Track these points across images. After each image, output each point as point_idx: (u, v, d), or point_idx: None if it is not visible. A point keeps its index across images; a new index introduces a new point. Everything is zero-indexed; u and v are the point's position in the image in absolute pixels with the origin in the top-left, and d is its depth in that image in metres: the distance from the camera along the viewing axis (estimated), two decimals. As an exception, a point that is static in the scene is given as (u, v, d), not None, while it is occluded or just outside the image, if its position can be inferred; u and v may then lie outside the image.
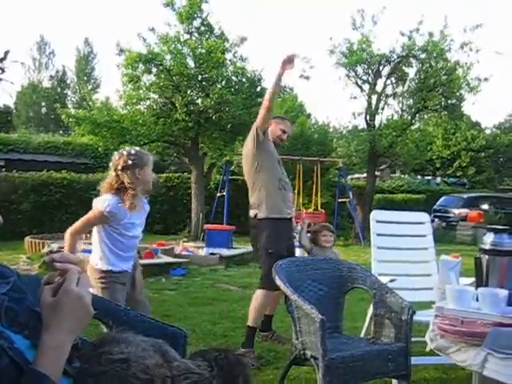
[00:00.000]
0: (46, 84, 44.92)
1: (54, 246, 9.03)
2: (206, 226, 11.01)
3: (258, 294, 4.33)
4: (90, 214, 3.24)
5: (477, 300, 2.10)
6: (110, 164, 3.26)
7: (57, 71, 44.98)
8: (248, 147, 4.40)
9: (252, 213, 4.39)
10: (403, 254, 4.25)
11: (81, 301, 1.12)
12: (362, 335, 3.76)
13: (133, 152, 3.22)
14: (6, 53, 6.95)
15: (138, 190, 3.23)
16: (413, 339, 3.01)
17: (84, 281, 1.15)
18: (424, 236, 4.33)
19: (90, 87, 41.19)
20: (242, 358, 1.31)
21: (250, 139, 4.37)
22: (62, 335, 1.12)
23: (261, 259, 4.38)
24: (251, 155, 4.36)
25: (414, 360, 3.05)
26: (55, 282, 1.14)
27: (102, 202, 3.19)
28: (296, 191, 13.91)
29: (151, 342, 1.40)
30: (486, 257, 2.32)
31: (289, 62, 4.17)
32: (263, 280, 4.26)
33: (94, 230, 3.33)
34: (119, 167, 3.18)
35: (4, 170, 13.86)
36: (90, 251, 8.02)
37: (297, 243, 9.31)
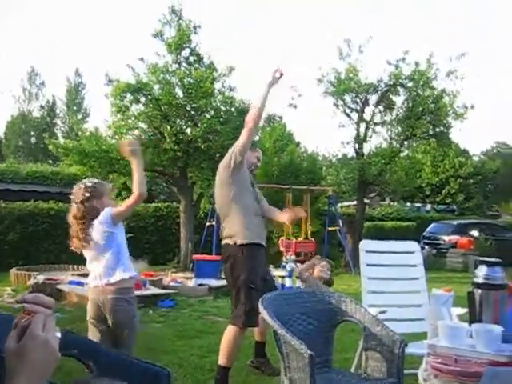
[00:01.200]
0: (36, 114, 44.94)
1: (40, 277, 8.86)
2: (195, 257, 10.89)
3: (233, 333, 4.05)
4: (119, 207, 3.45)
5: (471, 336, 2.03)
6: (72, 196, 3.44)
7: (47, 101, 45.06)
8: (223, 172, 4.22)
9: (230, 241, 4.13)
10: (393, 284, 4.18)
11: (47, 346, 1.05)
12: (352, 369, 3.67)
13: (89, 184, 3.43)
14: None
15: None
16: (405, 371, 2.92)
17: (50, 325, 1.08)
18: (414, 266, 4.28)
19: (79, 117, 41.32)
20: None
21: (226, 162, 4.17)
22: (26, 383, 1.05)
23: (239, 293, 4.05)
24: (227, 179, 4.18)
25: (406, 395, 2.96)
26: (19, 326, 1.07)
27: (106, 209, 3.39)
28: (286, 220, 13.84)
29: (127, 388, 1.33)
30: (479, 291, 2.25)
31: (277, 74, 4.08)
32: (243, 317, 3.98)
33: (102, 238, 3.35)
34: (78, 200, 3.38)
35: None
36: (78, 283, 7.90)
37: (287, 273, 9.24)
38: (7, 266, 10.50)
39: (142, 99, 12.64)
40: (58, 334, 1.09)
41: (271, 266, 9.67)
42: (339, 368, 3.47)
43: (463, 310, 3.07)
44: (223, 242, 4.26)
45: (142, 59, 12.87)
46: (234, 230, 4.13)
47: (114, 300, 3.31)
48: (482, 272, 2.30)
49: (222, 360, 4.05)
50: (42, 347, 1.05)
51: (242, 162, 4.16)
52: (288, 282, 8.91)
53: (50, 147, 12.94)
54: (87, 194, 3.36)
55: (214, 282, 9.53)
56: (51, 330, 1.08)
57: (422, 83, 14.70)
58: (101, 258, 3.38)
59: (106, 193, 3.49)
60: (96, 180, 3.56)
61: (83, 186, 3.41)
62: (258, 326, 4.23)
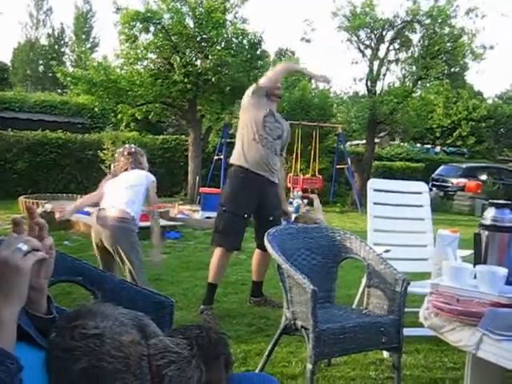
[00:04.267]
0: (44, 41, 44.20)
1: (48, 206, 8.94)
2: (202, 190, 10.94)
3: (216, 252, 4.41)
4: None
5: (475, 278, 2.02)
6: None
7: (53, 29, 44.20)
8: (243, 100, 4.49)
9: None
10: (400, 223, 4.17)
11: (6, 264, 1.04)
12: (354, 306, 3.72)
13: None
14: None
15: None
16: (406, 309, 2.95)
17: (11, 241, 1.08)
18: (421, 206, 4.25)
19: (88, 46, 40.58)
20: (224, 336, 1.24)
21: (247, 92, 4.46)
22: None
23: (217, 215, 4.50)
24: (242, 108, 4.49)
25: (406, 331, 3.00)
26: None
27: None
28: (294, 156, 13.81)
29: (131, 315, 1.33)
30: (486, 233, 2.23)
31: (322, 79, 4.68)
32: (215, 237, 4.42)
33: (139, 189, 4.06)
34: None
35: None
36: (85, 212, 7.95)
37: (293, 209, 9.28)
38: (15, 194, 10.62)
39: (152, 28, 12.38)
40: (23, 247, 1.07)
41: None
42: (342, 304, 3.51)
43: (467, 252, 3.07)
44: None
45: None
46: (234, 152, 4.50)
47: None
48: (490, 214, 2.26)
49: (209, 277, 4.43)
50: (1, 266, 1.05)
51: (260, 92, 4.38)
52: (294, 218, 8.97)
53: (58, 75, 12.75)
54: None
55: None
56: (11, 245, 1.06)
57: (440, 20, 14.25)
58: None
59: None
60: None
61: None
62: (235, 249, 4.52)
